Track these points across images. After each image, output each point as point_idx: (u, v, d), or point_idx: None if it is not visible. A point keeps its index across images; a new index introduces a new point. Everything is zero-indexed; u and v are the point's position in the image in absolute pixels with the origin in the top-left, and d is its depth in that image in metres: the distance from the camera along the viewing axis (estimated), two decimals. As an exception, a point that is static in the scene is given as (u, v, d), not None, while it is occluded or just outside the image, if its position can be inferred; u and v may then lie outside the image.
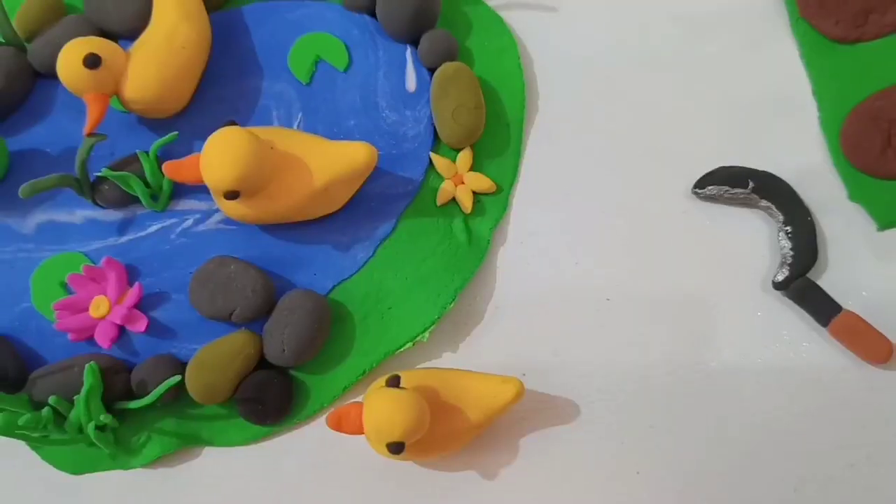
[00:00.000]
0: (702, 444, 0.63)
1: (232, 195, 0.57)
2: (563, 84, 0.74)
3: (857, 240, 0.67)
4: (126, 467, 0.64)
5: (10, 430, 0.56)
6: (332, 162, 0.61)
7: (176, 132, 0.66)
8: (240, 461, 0.65)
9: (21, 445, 0.66)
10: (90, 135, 0.64)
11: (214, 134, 0.58)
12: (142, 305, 0.64)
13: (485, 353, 0.67)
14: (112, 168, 0.65)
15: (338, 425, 0.57)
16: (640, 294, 0.67)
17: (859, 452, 0.62)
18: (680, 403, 0.64)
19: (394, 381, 0.57)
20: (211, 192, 0.61)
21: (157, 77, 0.66)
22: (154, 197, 0.66)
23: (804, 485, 0.61)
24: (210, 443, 0.64)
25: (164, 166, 0.60)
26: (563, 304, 0.67)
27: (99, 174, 0.65)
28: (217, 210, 0.65)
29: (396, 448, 0.55)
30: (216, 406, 0.63)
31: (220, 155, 0.57)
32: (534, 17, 0.77)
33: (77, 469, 0.64)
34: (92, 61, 0.62)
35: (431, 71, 0.70)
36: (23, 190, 0.60)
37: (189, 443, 0.64)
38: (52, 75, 0.68)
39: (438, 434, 0.59)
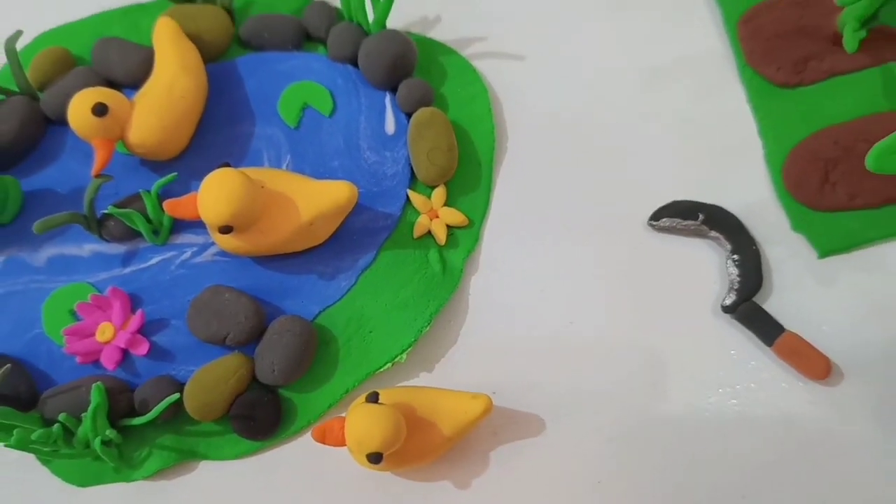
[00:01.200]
0: (657, 454, 0.65)
1: (226, 230, 0.61)
2: (530, 127, 0.77)
3: (799, 267, 0.70)
4: (128, 480, 0.66)
5: (23, 445, 0.60)
6: (317, 199, 0.65)
7: (175, 173, 0.69)
8: (233, 474, 0.67)
9: (32, 459, 0.67)
10: (97, 176, 0.68)
11: (210, 175, 0.62)
12: (144, 331, 0.67)
13: (458, 373, 0.69)
14: (117, 206, 0.69)
15: (322, 438, 0.60)
16: (601, 317, 0.69)
17: (802, 461, 0.64)
18: (637, 418, 0.67)
19: (372, 398, 0.60)
20: (207, 227, 0.64)
21: (158, 124, 0.69)
22: (155, 232, 0.70)
23: (752, 492, 0.64)
24: (206, 457, 0.66)
25: (164, 204, 0.64)
26: (530, 328, 0.70)
27: (105, 211, 0.69)
28: (212, 243, 0.69)
29: (375, 458, 0.58)
30: (211, 423, 0.66)
31: (215, 194, 0.61)
32: (503, 66, 0.79)
33: (83, 482, 0.66)
34: (100, 110, 0.66)
35: (408, 115, 0.73)
36: (36, 226, 0.64)
37: (186, 457, 0.66)
38: (62, 122, 0.73)
39: (414, 446, 0.61)
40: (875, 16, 0.67)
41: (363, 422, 0.58)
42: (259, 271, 0.69)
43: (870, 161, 0.63)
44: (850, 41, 0.69)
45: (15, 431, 0.60)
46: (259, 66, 0.76)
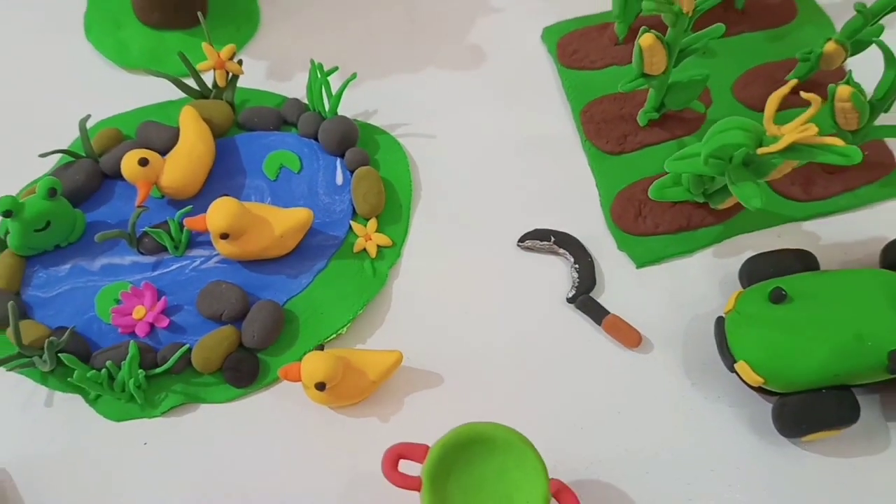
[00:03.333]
0: (520, 396, 0.79)
1: (224, 236, 0.79)
2: (436, 181, 0.93)
3: (622, 274, 0.87)
4: (150, 416, 0.80)
5: (82, 380, 0.76)
6: (285, 219, 0.82)
7: (191, 206, 0.85)
8: (225, 413, 0.80)
9: (81, 402, 0.80)
10: (139, 207, 0.84)
11: (215, 200, 0.80)
12: (166, 312, 0.82)
13: (382, 343, 0.83)
14: (151, 227, 0.85)
15: (285, 375, 0.76)
16: (486, 308, 0.85)
17: (622, 403, 0.80)
18: (508, 373, 0.81)
19: (319, 347, 0.77)
20: (211, 236, 0.81)
21: (181, 175, 0.86)
22: (176, 247, 0.85)
23: (587, 425, 0.79)
24: (205, 400, 0.80)
25: (184, 221, 0.81)
26: (435, 314, 0.85)
27: (144, 230, 0.85)
28: (215, 255, 0.85)
29: (320, 386, 0.74)
30: (210, 375, 0.81)
31: (217, 211, 0.79)
32: (419, 141, 0.96)
33: (119, 417, 0.79)
34: (143, 162, 0.83)
35: (352, 172, 0.90)
36: (97, 237, 0.81)
37: (192, 399, 0.80)
38: (114, 177, 0.89)
39: (349, 387, 0.77)
40: (662, 104, 0.90)
41: (312, 361, 0.75)
42: (246, 272, 0.84)
43: (651, 192, 0.88)
44: (641, 118, 0.91)
45: (76, 371, 0.76)
46: (251, 140, 0.92)
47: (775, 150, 0.66)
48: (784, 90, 0.67)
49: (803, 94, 0.67)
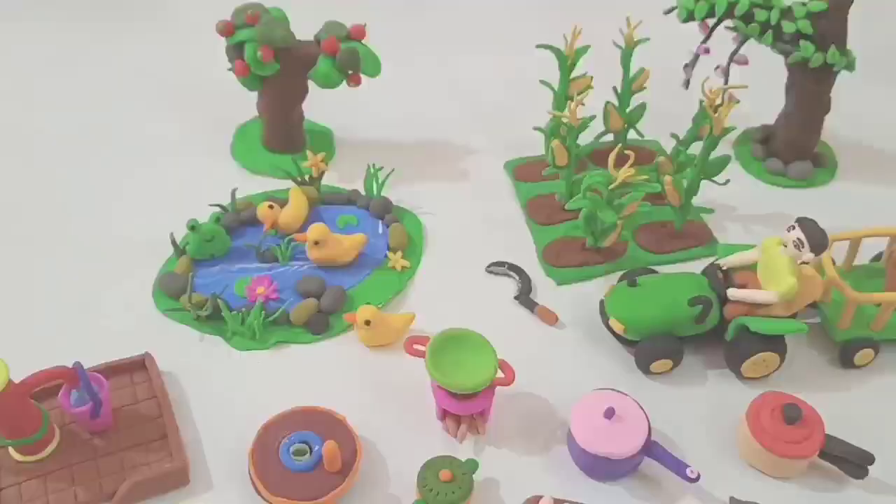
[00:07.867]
0: None
1: (316, 243, 1.27)
2: (437, 235, 1.35)
3: (548, 288, 1.27)
4: (263, 348, 1.16)
5: (228, 317, 1.19)
6: (350, 238, 1.27)
7: (294, 234, 1.31)
8: (307, 349, 1.17)
9: (221, 341, 1.17)
10: (266, 232, 1.30)
11: (312, 224, 1.30)
12: (277, 291, 1.22)
13: None
14: (270, 246, 1.33)
15: (347, 318, 1.18)
16: (466, 303, 1.23)
17: (546, 353, 1.18)
18: None
19: (367, 303, 1.25)
20: (307, 247, 1.25)
21: (291, 217, 1.28)
22: (283, 258, 1.26)
23: (526, 364, 1.09)
24: (295, 341, 1.17)
25: (295, 236, 1.29)
26: (435, 305, 1.22)
27: (267, 246, 1.30)
28: (307, 264, 1.25)
29: (367, 322, 1.15)
30: (299, 326, 1.18)
31: (314, 227, 1.23)
32: (429, 216, 1.39)
33: (243, 348, 1.16)
34: (271, 206, 1.31)
35: (388, 226, 1.31)
36: (245, 244, 1.31)
37: (288, 340, 1.17)
38: (247, 224, 1.32)
39: (382, 329, 1.15)
40: (571, 193, 1.44)
41: (363, 308, 1.17)
42: (324, 273, 1.24)
43: (563, 231, 1.39)
44: (558, 197, 1.42)
45: (224, 311, 1.20)
46: (329, 209, 1.36)
47: (616, 184, 1.20)
48: (616, 150, 1.21)
49: (626, 152, 1.22)
